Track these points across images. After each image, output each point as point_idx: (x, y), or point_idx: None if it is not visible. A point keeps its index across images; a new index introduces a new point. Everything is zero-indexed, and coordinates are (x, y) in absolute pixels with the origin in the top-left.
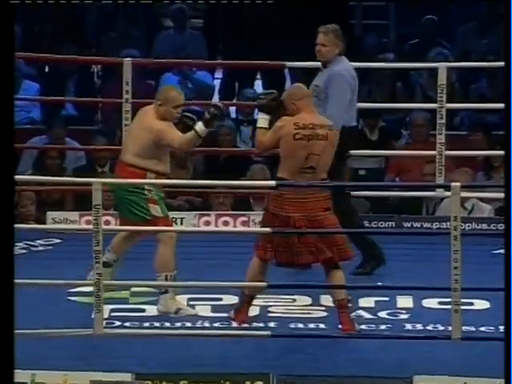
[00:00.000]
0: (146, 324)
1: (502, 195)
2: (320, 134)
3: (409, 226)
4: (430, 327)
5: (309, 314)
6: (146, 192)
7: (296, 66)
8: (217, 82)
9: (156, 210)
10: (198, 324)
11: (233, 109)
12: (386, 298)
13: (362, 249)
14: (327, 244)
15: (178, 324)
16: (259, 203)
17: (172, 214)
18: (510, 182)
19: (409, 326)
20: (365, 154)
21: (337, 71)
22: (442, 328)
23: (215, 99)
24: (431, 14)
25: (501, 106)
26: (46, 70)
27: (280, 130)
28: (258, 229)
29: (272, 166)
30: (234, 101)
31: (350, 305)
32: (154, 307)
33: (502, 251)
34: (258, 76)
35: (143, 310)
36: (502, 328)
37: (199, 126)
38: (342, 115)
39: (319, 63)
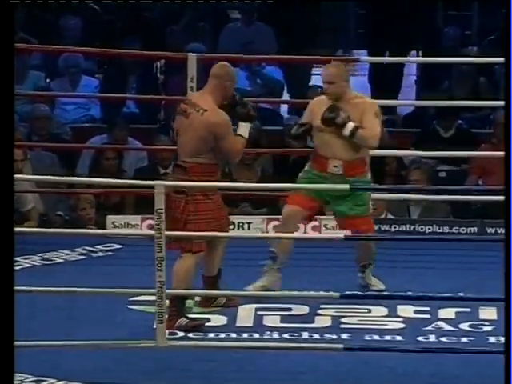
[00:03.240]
0: (211, 335)
1: None
2: (188, 111)
3: (493, 231)
4: (493, 340)
5: (385, 325)
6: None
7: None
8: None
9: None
10: (267, 335)
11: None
12: (468, 309)
13: None
14: None
15: (245, 335)
16: None
17: (238, 219)
18: (510, 182)
19: (493, 339)
20: (444, 155)
21: None
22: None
23: (285, 96)
24: None
25: None
26: (106, 65)
27: None
28: (330, 235)
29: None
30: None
31: None
32: (220, 317)
33: None
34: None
35: (208, 320)
36: None
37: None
38: None
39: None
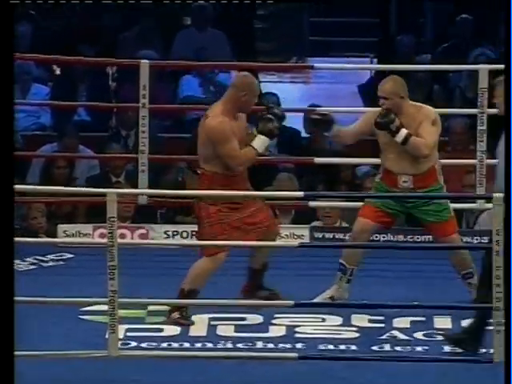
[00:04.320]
0: (164, 345)
1: None
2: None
3: None
4: None
5: (339, 334)
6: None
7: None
8: None
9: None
10: (220, 345)
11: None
12: (423, 318)
13: None
14: None
15: (199, 345)
16: (286, 215)
17: (192, 228)
18: (510, 183)
19: (447, 348)
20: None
21: None
22: (483, 350)
23: None
24: (470, 12)
25: None
26: (58, 72)
27: None
28: (284, 243)
29: (300, 175)
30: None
31: None
32: (172, 327)
33: None
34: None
35: (161, 330)
36: None
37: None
38: None
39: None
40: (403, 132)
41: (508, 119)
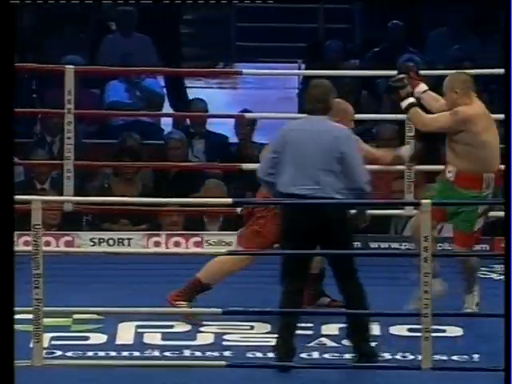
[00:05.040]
0: (90, 353)
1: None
2: None
3: (376, 246)
4: (398, 356)
5: (268, 342)
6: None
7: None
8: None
9: (479, 223)
10: (147, 353)
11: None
12: None
13: None
14: None
15: (125, 353)
16: (213, 222)
17: (118, 235)
18: (510, 185)
19: None
20: None
21: None
22: (411, 357)
23: (167, 109)
24: (399, 17)
25: None
26: None
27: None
28: (212, 250)
29: (228, 182)
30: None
31: None
32: (99, 335)
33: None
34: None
35: (87, 338)
36: (475, 357)
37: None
38: None
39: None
40: (409, 100)
41: (508, 119)
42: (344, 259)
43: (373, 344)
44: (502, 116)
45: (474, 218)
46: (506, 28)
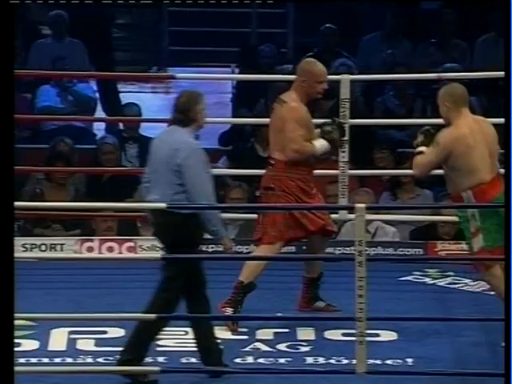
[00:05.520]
0: (22, 360)
1: (409, 217)
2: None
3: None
4: (333, 360)
5: None
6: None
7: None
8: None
9: (477, 241)
10: (80, 360)
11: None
12: (286, 330)
13: None
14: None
15: (58, 360)
16: (147, 227)
17: (50, 240)
18: (510, 185)
19: (310, 360)
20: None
21: None
22: (345, 361)
23: (99, 114)
24: (332, 22)
25: (408, 121)
26: None
27: None
28: (146, 255)
29: None
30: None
31: None
32: (31, 341)
33: (409, 278)
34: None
35: (18, 345)
36: (409, 361)
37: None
38: None
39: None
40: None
41: (508, 119)
42: (192, 270)
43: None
44: (438, 121)
45: (468, 238)
46: (506, 28)
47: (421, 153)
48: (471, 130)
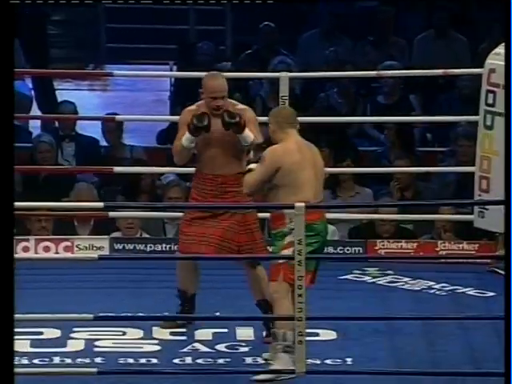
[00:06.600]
0: None
1: (349, 216)
2: None
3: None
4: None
5: (140, 348)
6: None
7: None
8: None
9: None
10: (15, 361)
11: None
12: (225, 330)
13: None
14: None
15: None
16: (84, 226)
17: None
18: (511, 185)
19: (249, 360)
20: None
21: None
22: None
23: (35, 112)
24: (270, 20)
25: (350, 119)
26: None
27: None
28: (83, 255)
29: (101, 185)
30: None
31: None
32: None
33: (348, 277)
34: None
35: None
36: (349, 360)
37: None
38: None
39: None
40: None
41: (508, 119)
42: None
43: None
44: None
45: (278, 248)
46: (507, 28)
47: (250, 170)
48: (300, 148)
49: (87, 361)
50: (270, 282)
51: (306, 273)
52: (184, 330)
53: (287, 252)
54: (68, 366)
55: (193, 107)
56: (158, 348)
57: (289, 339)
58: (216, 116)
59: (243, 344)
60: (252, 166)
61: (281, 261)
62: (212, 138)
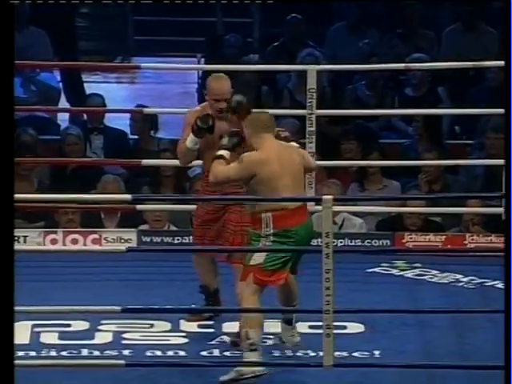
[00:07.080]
0: None
1: (376, 209)
2: None
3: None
4: (299, 353)
5: (167, 340)
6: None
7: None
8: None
9: (259, 257)
10: (44, 353)
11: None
12: None
13: None
14: None
15: (21, 353)
16: (111, 219)
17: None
18: (511, 184)
19: (277, 353)
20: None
21: None
22: (312, 354)
23: (64, 104)
24: (297, 12)
25: (378, 112)
26: None
27: None
28: (111, 247)
29: (129, 177)
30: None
31: None
32: None
33: (376, 269)
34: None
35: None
36: (376, 353)
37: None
38: None
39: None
40: (221, 152)
41: (508, 119)
42: None
43: None
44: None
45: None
46: (507, 27)
47: (221, 156)
48: (279, 157)
49: (115, 353)
50: (239, 281)
51: (283, 271)
52: (211, 322)
53: (259, 255)
54: (96, 358)
55: (198, 108)
56: (185, 340)
57: (252, 337)
58: (220, 118)
59: (271, 337)
60: (222, 152)
61: (253, 263)
62: (216, 140)
